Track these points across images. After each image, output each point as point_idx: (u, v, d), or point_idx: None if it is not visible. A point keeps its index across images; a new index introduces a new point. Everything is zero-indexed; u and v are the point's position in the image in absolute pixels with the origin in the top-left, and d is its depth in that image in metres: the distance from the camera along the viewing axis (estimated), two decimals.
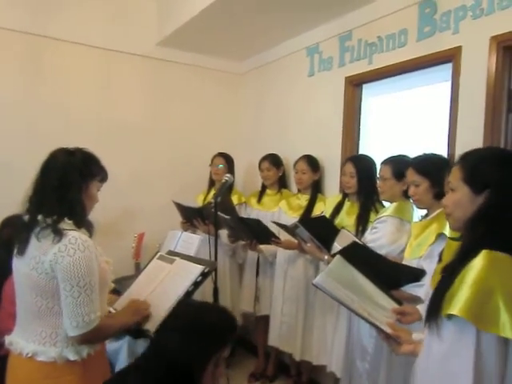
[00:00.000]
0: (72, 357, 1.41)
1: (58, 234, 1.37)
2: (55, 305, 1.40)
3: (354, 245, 1.93)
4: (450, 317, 1.02)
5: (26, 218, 1.46)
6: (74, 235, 1.39)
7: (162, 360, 1.17)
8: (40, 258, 1.38)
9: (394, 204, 2.22)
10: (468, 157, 1.19)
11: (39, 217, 1.42)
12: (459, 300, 1.00)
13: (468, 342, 0.99)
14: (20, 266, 1.45)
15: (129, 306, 1.62)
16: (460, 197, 1.15)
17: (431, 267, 1.76)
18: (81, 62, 3.24)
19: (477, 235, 1.08)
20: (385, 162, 2.26)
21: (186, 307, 1.29)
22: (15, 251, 1.47)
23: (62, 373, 1.41)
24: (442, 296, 1.05)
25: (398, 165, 2.18)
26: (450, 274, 1.07)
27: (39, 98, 3.09)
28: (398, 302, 1.53)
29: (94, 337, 1.42)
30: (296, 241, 2.60)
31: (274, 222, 2.67)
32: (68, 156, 1.48)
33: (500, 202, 1.08)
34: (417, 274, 1.81)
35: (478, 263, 1.01)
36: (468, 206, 1.13)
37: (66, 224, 1.42)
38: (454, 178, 1.18)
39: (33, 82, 3.07)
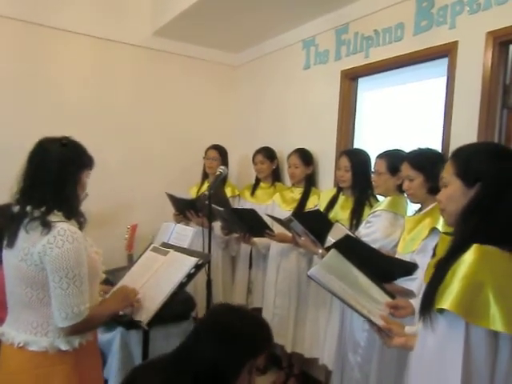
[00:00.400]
0: (63, 347, 1.42)
1: (47, 225, 1.37)
2: (45, 295, 1.40)
3: (346, 238, 1.93)
4: (441, 311, 1.03)
5: (16, 208, 1.45)
6: (62, 227, 1.38)
7: (194, 365, 1.18)
8: (29, 250, 1.38)
9: (388, 198, 2.22)
10: (460, 152, 1.20)
11: (28, 208, 1.41)
12: (450, 294, 1.01)
13: (458, 336, 1.00)
14: (9, 257, 1.44)
15: (117, 293, 1.65)
16: (453, 191, 1.16)
17: (424, 261, 1.77)
18: (75, 50, 3.20)
19: (468, 228, 1.09)
20: (380, 157, 2.26)
21: (223, 312, 1.29)
22: (5, 243, 1.47)
23: (54, 362, 1.41)
24: (434, 290, 1.06)
25: (393, 159, 2.18)
26: (442, 268, 1.08)
27: (33, 87, 3.05)
28: (391, 295, 1.54)
29: (83, 327, 1.43)
30: (290, 234, 2.61)
31: (269, 215, 2.67)
32: (61, 148, 1.46)
33: (491, 194, 1.09)
34: (409, 268, 1.82)
35: (469, 257, 1.02)
36: (461, 200, 1.13)
37: (55, 216, 1.41)
38: (447, 173, 1.19)
39: (27, 70, 3.03)
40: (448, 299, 1.01)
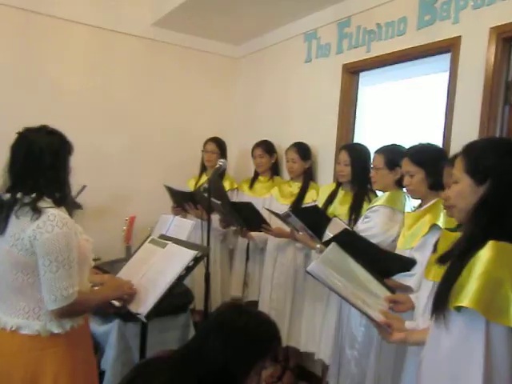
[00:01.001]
0: (56, 329, 1.45)
1: (37, 211, 1.40)
2: (36, 280, 1.43)
3: (344, 232, 1.92)
4: (459, 309, 1.01)
5: (6, 196, 1.47)
6: (52, 212, 1.41)
7: (200, 366, 1.17)
8: (19, 235, 1.41)
9: (387, 193, 2.22)
10: (470, 148, 1.19)
11: (18, 195, 1.44)
12: (468, 292, 0.99)
13: (478, 334, 0.99)
14: (0, 243, 1.46)
15: (110, 282, 1.69)
16: (462, 188, 1.15)
17: (423, 257, 1.77)
18: (74, 40, 3.17)
19: (480, 225, 1.08)
20: (378, 152, 2.25)
21: (231, 313, 1.28)
22: None
23: (46, 345, 1.44)
24: (449, 288, 1.05)
25: (391, 154, 2.18)
26: (457, 265, 1.06)
27: (30, 76, 3.02)
28: (391, 289, 1.54)
29: (72, 310, 1.45)
30: (286, 229, 2.60)
31: (267, 209, 2.67)
32: (48, 136, 1.49)
33: (501, 191, 1.08)
34: (407, 264, 1.82)
35: (486, 254, 1.01)
36: (470, 197, 1.12)
37: (45, 202, 1.44)
38: (457, 169, 1.18)
39: (24, 59, 3.00)
40: (467, 296, 0.99)
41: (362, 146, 2.58)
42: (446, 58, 2.26)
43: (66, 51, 3.15)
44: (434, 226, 1.78)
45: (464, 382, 1.01)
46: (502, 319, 0.97)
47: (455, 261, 1.09)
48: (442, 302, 1.06)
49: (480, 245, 1.03)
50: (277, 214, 2.52)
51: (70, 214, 1.51)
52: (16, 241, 1.41)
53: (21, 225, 1.41)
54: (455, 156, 1.34)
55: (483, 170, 1.11)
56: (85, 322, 1.59)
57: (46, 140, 1.47)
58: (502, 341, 0.98)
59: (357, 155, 2.49)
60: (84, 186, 2.80)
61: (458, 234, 1.35)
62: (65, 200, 1.50)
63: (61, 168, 1.49)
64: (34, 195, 1.43)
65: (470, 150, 1.18)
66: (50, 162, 1.45)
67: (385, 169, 2.19)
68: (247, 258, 3.15)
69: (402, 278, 1.84)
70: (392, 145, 2.25)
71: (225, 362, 1.15)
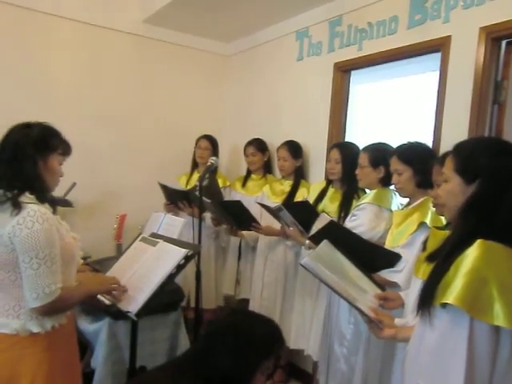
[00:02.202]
0: (35, 329, 1.41)
1: (17, 206, 1.37)
2: (17, 277, 1.40)
3: (330, 224, 1.94)
4: (444, 305, 1.03)
5: None
6: (32, 208, 1.38)
7: (207, 370, 1.18)
8: None
9: (373, 191, 2.24)
10: (460, 147, 1.20)
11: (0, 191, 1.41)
12: (454, 289, 1.00)
13: (461, 331, 1.00)
14: None
15: (95, 277, 1.69)
16: (452, 187, 1.16)
17: (410, 255, 1.79)
18: (64, 36, 3.14)
19: (469, 224, 1.09)
20: (363, 150, 2.28)
21: (235, 317, 1.31)
22: None
23: (23, 345, 1.40)
24: (435, 285, 1.06)
25: (375, 153, 2.20)
26: (444, 263, 1.07)
27: (20, 71, 2.99)
28: (381, 287, 1.55)
29: (55, 308, 1.42)
30: (276, 227, 2.62)
31: (259, 203, 2.67)
32: (23, 129, 1.46)
33: (490, 191, 1.09)
34: (392, 259, 1.83)
35: (473, 252, 1.02)
36: (460, 196, 1.13)
37: (27, 198, 1.41)
38: (447, 168, 1.19)
39: (14, 54, 2.97)
40: (452, 294, 1.00)
41: (353, 144, 2.60)
42: (436, 58, 2.28)
43: (56, 48, 3.12)
44: (422, 224, 1.80)
45: (446, 377, 1.03)
46: (486, 317, 0.98)
47: (443, 258, 1.10)
48: (427, 299, 1.08)
49: (468, 243, 1.04)
50: (268, 208, 2.53)
51: (54, 211, 1.48)
52: None
53: (0, 221, 1.38)
54: (445, 155, 1.36)
55: (473, 170, 1.11)
56: (68, 322, 1.55)
57: (17, 132, 1.45)
58: (484, 337, 1.00)
59: (347, 153, 2.50)
60: (74, 184, 2.78)
61: (447, 233, 1.36)
62: (44, 196, 1.45)
63: (23, 160, 1.42)
64: (15, 191, 1.39)
65: (460, 150, 1.19)
66: (10, 153, 1.41)
67: (369, 167, 2.22)
68: (239, 256, 3.16)
69: (387, 274, 1.86)
70: (377, 143, 2.27)
71: (231, 364, 1.17)
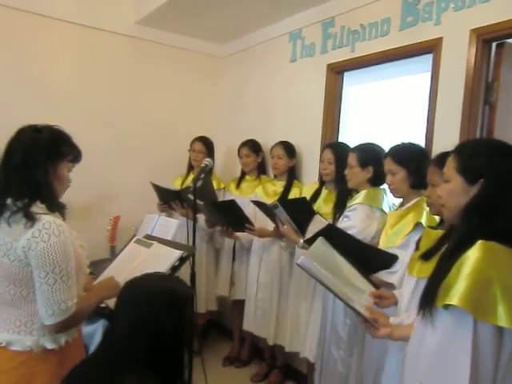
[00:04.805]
0: (49, 345, 1.36)
1: (31, 218, 1.30)
2: (30, 292, 1.34)
3: (328, 227, 1.94)
4: (447, 307, 1.03)
5: None
6: (48, 219, 1.32)
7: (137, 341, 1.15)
8: (12, 245, 1.31)
9: (364, 191, 2.24)
10: (462, 147, 1.19)
11: (8, 201, 1.34)
12: (457, 291, 1.00)
13: (465, 332, 1.00)
14: None
15: (103, 282, 1.61)
16: (454, 187, 1.15)
17: (406, 256, 1.79)
18: (58, 37, 3.12)
19: (472, 225, 1.08)
20: (352, 150, 2.29)
21: (137, 283, 1.27)
22: None
23: (37, 362, 1.35)
24: (437, 286, 1.05)
25: (364, 153, 2.21)
26: (445, 263, 1.07)
27: (13, 73, 2.97)
28: (375, 285, 1.56)
29: (71, 323, 1.38)
30: (270, 227, 2.60)
31: (253, 201, 2.64)
32: (33, 134, 1.38)
33: (493, 192, 1.08)
34: (388, 260, 1.84)
35: (475, 253, 1.02)
36: (461, 197, 1.13)
37: (39, 208, 1.34)
38: (449, 168, 1.18)
39: (7, 56, 2.95)
40: (456, 295, 1.00)
41: (346, 145, 2.60)
42: (428, 59, 2.30)
43: (50, 49, 3.10)
44: (418, 225, 1.81)
45: (451, 378, 1.03)
46: (490, 318, 0.99)
47: (444, 259, 1.10)
48: (429, 299, 1.07)
49: (469, 244, 1.04)
50: (263, 205, 2.51)
51: (64, 218, 1.43)
52: (8, 250, 1.31)
53: (13, 233, 1.31)
54: (442, 155, 1.36)
55: (475, 170, 1.11)
56: (78, 335, 1.52)
57: (27, 137, 1.37)
58: (488, 338, 1.00)
59: (340, 154, 2.49)
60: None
61: (439, 232, 1.37)
62: (54, 205, 1.38)
63: (34, 168, 1.33)
64: (26, 200, 1.32)
65: (462, 149, 1.18)
66: (20, 160, 1.32)
67: (357, 167, 2.22)
68: (234, 258, 3.15)
69: (384, 276, 1.86)
70: (366, 143, 2.28)
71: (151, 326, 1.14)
